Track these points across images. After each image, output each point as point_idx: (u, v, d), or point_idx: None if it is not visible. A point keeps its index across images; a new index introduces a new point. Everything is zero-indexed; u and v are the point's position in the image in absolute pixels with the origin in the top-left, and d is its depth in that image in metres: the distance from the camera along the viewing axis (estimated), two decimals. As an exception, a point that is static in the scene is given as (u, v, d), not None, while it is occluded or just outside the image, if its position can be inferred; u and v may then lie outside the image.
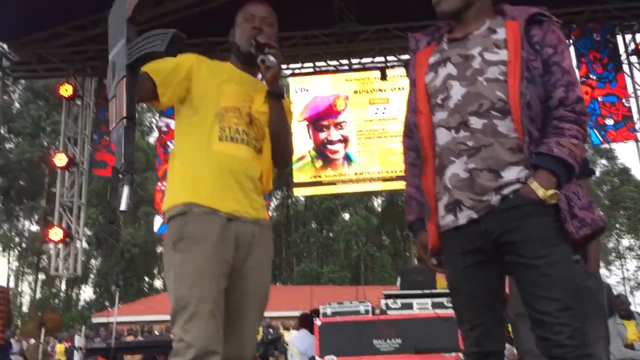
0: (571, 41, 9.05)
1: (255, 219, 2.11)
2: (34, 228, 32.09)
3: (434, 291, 6.01)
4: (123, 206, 1.59)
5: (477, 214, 1.74)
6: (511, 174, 1.72)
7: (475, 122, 1.75)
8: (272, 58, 2.07)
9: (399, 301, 5.95)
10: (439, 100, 1.84)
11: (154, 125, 33.43)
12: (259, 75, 2.25)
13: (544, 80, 1.76)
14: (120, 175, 1.60)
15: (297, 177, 9.26)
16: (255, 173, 2.13)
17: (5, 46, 9.55)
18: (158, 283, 32.88)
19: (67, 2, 8.52)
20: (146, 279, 32.80)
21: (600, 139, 8.69)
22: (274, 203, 34.75)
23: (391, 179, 9.03)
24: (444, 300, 5.72)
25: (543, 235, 1.68)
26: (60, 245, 9.04)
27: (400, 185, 9.52)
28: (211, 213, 2.00)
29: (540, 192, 1.66)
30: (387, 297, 6.11)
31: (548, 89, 1.76)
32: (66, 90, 9.26)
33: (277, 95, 2.15)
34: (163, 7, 9.17)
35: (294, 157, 9.26)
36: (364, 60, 9.94)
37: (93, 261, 32.02)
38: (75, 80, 9.69)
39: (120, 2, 1.71)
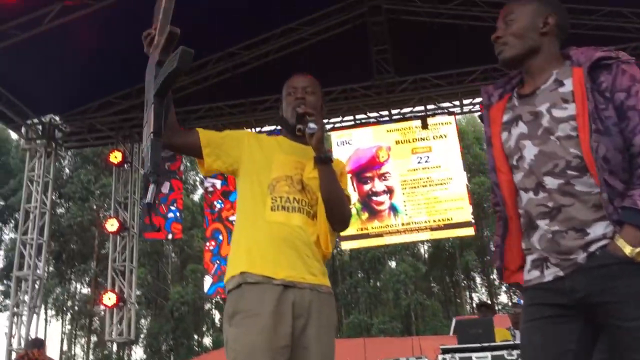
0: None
1: (313, 285, 2.09)
2: (85, 290, 32.65)
3: (493, 344, 5.81)
4: (149, 198, 1.72)
5: (563, 271, 1.69)
6: (597, 229, 1.65)
7: (551, 183, 1.70)
8: (312, 125, 2.10)
9: (457, 355, 5.77)
10: (514, 161, 1.81)
11: (197, 184, 33.94)
12: None
13: (621, 128, 1.67)
14: (149, 177, 1.69)
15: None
16: (310, 238, 2.14)
17: (57, 118, 9.98)
18: (207, 340, 32.81)
19: (115, 73, 8.89)
20: (195, 336, 32.75)
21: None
22: (319, 254, 34.56)
23: (439, 228, 8.90)
24: (504, 352, 5.53)
25: (636, 297, 1.58)
26: (114, 310, 9.16)
27: (449, 233, 9.40)
28: (265, 282, 2.01)
29: (628, 250, 1.58)
30: (445, 351, 5.94)
31: (627, 136, 1.66)
32: (116, 157, 9.55)
33: (323, 159, 2.15)
34: (205, 71, 9.49)
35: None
36: (404, 110, 9.99)
37: (143, 321, 32.27)
38: (123, 146, 10.01)
39: (152, 58, 1.84)
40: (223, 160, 2.20)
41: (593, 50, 1.76)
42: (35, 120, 9.72)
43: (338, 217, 2.19)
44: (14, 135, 25.07)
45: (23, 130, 9.74)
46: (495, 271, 2.02)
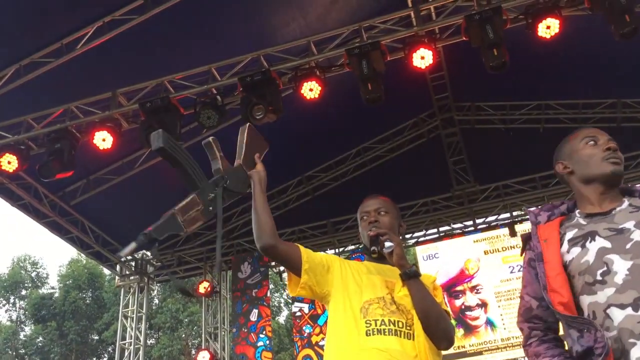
0: None
1: None
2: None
3: None
4: (125, 251, 1.69)
5: None
6: None
7: None
8: (388, 243, 2.08)
9: None
10: (598, 276, 1.69)
11: (282, 305, 33.76)
12: None
13: None
14: (143, 235, 1.65)
15: (439, 349, 8.74)
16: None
17: (148, 253, 10.37)
18: None
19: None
20: None
21: None
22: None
23: (542, 341, 8.27)
24: None
25: None
26: None
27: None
28: None
29: None
30: None
31: None
32: (205, 288, 9.71)
33: (408, 275, 2.09)
34: (285, 196, 9.72)
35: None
36: (489, 218, 9.75)
37: None
38: (211, 275, 10.20)
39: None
40: (317, 281, 2.15)
41: None
42: (129, 257, 10.13)
43: (439, 333, 2.06)
44: (106, 270, 26.26)
45: (118, 267, 10.15)
46: None
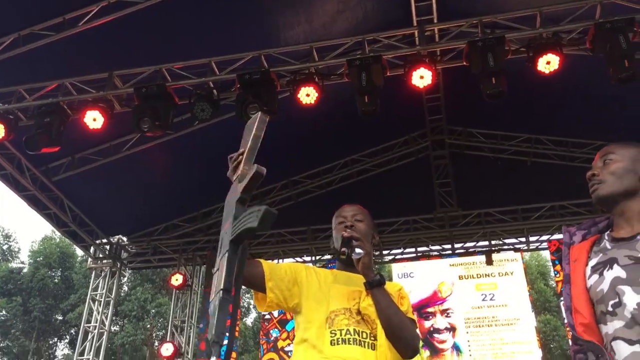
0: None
1: None
2: (131, 413, 31.77)
3: None
4: None
5: None
6: None
7: None
8: (358, 250, 2.09)
9: None
10: (609, 307, 1.64)
11: (251, 307, 33.61)
12: None
13: None
14: (212, 347, 1.59)
15: (403, 368, 8.75)
16: None
17: (125, 239, 10.29)
18: None
19: (182, 197, 9.23)
20: None
21: None
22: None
23: (505, 372, 8.33)
24: None
25: None
26: None
27: (516, 378, 8.77)
28: None
29: None
30: None
31: None
32: (177, 279, 9.65)
33: (371, 284, 2.09)
34: (268, 198, 9.70)
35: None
36: (468, 244, 9.81)
37: None
38: (185, 269, 10.13)
39: (234, 188, 1.80)
40: (284, 296, 2.14)
41: None
42: (104, 240, 10.03)
43: (402, 342, 2.05)
44: (79, 251, 25.92)
45: (91, 249, 10.04)
46: None
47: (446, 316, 8.81)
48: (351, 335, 2.04)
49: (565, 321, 1.82)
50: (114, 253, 10.04)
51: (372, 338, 2.06)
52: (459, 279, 9.06)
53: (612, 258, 1.71)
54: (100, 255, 10.04)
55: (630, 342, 1.59)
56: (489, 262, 8.94)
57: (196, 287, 10.27)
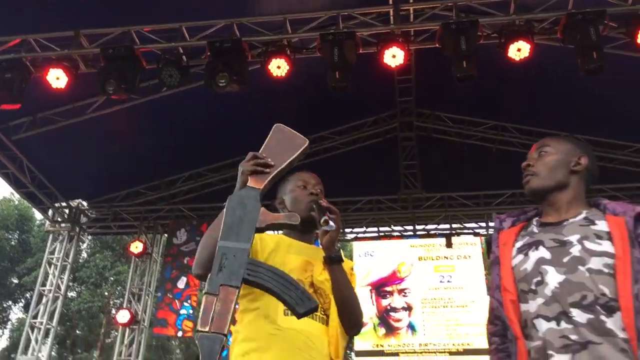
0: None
1: None
2: (84, 380, 31.59)
3: None
4: None
5: None
6: None
7: (579, 316, 1.63)
8: (332, 223, 2.06)
9: None
10: (532, 285, 1.74)
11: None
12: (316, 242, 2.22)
13: None
14: None
15: (358, 344, 8.89)
16: (323, 346, 2.02)
17: (85, 204, 10.11)
18: None
19: (146, 165, 9.09)
20: None
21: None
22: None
23: (458, 353, 8.47)
24: None
25: None
26: (112, 406, 8.78)
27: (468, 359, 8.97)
28: None
29: None
30: None
31: None
32: (137, 247, 9.54)
33: (334, 259, 2.08)
34: (234, 170, 9.60)
35: (356, 324, 8.96)
36: (429, 226, 9.93)
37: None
38: (145, 237, 10.02)
39: (253, 198, 1.70)
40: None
41: (633, 206, 1.80)
42: (63, 204, 9.84)
43: (353, 320, 2.09)
44: (37, 215, 25.40)
45: (50, 212, 9.84)
46: None
47: (403, 296, 8.93)
48: None
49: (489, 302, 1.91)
50: (73, 217, 9.87)
51: (323, 313, 2.05)
52: (419, 260, 9.18)
53: (538, 240, 1.81)
54: (59, 219, 9.85)
55: (547, 319, 1.68)
56: (449, 244, 9.07)
57: (156, 256, 10.18)
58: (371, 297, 8.98)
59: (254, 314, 2.03)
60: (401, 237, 9.73)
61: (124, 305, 9.56)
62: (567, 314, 1.65)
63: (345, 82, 5.82)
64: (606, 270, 1.66)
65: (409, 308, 8.86)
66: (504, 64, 5.96)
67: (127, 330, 9.37)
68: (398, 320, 8.81)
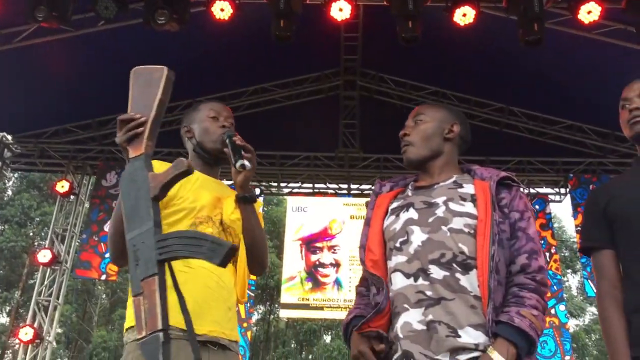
0: (567, 190, 9.21)
1: (231, 342, 1.96)
2: (4, 320, 30.83)
3: None
4: None
5: None
6: (470, 336, 1.63)
7: (436, 272, 1.70)
8: (247, 163, 2.01)
9: None
10: (397, 243, 1.81)
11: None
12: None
13: (510, 244, 1.75)
14: None
15: (285, 297, 9.00)
16: (232, 285, 2.01)
17: (9, 137, 9.64)
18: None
19: (77, 102, 8.71)
20: (112, 386, 31.04)
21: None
22: (255, 317, 33.76)
23: (381, 309, 8.71)
24: None
25: None
26: (29, 346, 8.57)
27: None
28: (183, 338, 1.75)
29: None
30: None
31: (512, 253, 1.74)
32: (62, 186, 9.19)
33: (248, 199, 2.06)
34: (172, 116, 9.35)
35: (284, 277, 9.05)
36: (364, 186, 10.02)
37: (59, 361, 30.47)
38: (73, 177, 9.67)
39: (138, 168, 1.50)
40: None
41: (497, 171, 1.89)
42: (-14, 137, 9.35)
43: (259, 260, 2.09)
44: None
45: (-29, 144, 9.34)
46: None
47: (333, 252, 9.05)
48: None
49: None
50: (-5, 151, 9.40)
51: None
52: (350, 218, 9.29)
53: (410, 202, 1.88)
54: (-20, 152, 9.36)
55: (407, 275, 1.74)
56: (381, 205, 9.19)
57: (83, 197, 9.86)
58: (301, 252, 9.06)
59: None
60: (335, 194, 9.80)
61: (46, 245, 9.25)
62: (425, 271, 1.71)
63: (289, 32, 5.71)
64: (466, 230, 1.73)
65: (337, 264, 8.99)
66: (451, 31, 5.99)
67: (49, 270, 9.10)
68: (325, 276, 8.94)
